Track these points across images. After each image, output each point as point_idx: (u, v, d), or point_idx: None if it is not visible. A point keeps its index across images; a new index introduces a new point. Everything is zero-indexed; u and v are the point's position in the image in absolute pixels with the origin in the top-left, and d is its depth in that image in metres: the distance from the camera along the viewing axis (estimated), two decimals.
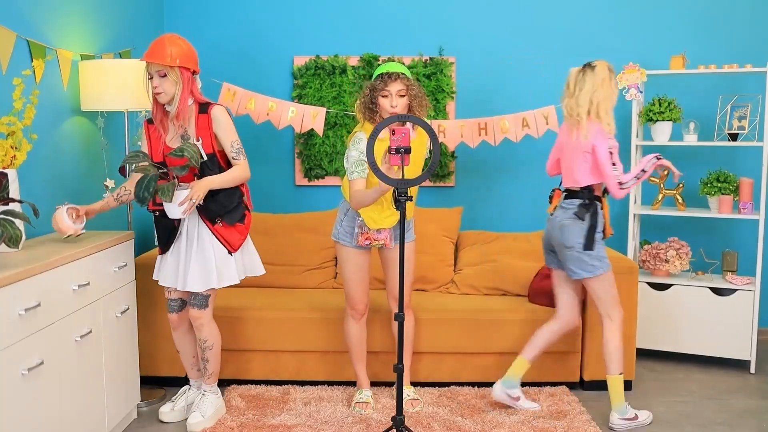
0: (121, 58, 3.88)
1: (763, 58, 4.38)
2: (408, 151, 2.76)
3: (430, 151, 3.44)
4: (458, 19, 4.63)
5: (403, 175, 2.77)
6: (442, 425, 3.30)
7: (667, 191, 4.34)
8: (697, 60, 4.43)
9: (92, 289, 2.86)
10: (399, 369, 2.85)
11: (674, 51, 4.47)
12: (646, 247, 4.35)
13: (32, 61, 3.05)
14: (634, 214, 4.42)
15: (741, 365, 4.23)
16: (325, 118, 4.37)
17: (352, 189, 3.18)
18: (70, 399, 2.68)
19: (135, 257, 3.47)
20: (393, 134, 2.77)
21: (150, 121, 3.17)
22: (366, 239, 3.32)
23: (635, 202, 4.41)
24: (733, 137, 4.19)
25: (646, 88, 4.42)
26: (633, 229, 4.42)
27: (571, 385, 3.82)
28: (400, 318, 2.82)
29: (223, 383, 3.79)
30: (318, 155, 4.61)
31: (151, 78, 3.04)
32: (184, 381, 3.73)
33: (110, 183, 3.54)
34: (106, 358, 3.01)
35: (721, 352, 4.16)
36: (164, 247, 3.22)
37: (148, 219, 4.08)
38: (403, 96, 3.20)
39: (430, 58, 4.57)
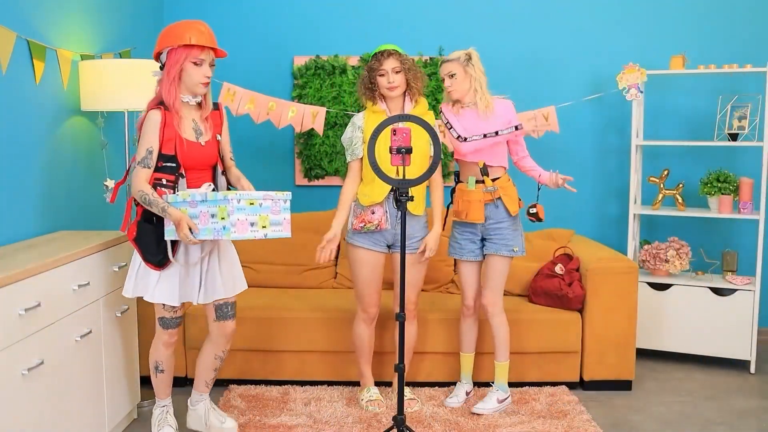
0: (121, 58, 3.88)
1: (763, 58, 4.38)
2: (409, 151, 2.77)
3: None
4: (458, 19, 4.62)
5: (403, 175, 2.78)
6: (442, 425, 3.29)
7: (667, 191, 4.34)
8: (697, 60, 4.43)
9: (92, 289, 2.86)
10: (400, 369, 2.85)
11: (674, 51, 4.46)
12: (646, 247, 4.35)
13: (32, 60, 3.05)
14: (634, 214, 4.42)
15: (741, 365, 4.23)
16: (325, 118, 4.37)
17: (347, 174, 3.39)
18: (70, 399, 2.68)
19: None
20: (394, 134, 2.77)
21: (165, 108, 2.83)
22: (360, 222, 3.32)
23: (635, 202, 4.41)
24: (733, 137, 4.19)
25: (646, 88, 4.42)
26: (633, 229, 4.42)
27: (571, 385, 3.82)
28: (400, 318, 2.82)
29: (223, 383, 3.78)
30: (318, 155, 4.61)
31: (199, 64, 2.81)
32: (184, 381, 3.73)
33: (110, 183, 3.53)
34: (106, 358, 3.01)
35: (721, 352, 4.16)
36: (163, 261, 2.87)
37: None
38: (399, 72, 3.24)
39: (430, 58, 4.57)
